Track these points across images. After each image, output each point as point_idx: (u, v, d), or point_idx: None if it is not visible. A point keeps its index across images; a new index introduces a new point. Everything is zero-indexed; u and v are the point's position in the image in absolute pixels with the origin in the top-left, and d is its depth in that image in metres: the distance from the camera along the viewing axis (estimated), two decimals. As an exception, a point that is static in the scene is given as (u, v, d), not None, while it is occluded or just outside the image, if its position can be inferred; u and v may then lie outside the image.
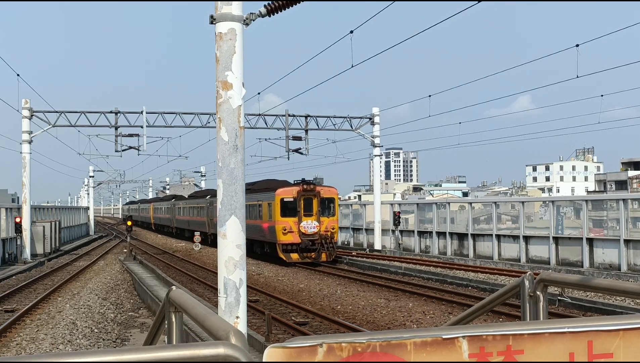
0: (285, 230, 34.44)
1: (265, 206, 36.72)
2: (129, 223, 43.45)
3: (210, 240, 50.12)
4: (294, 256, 34.50)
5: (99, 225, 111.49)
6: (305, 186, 35.02)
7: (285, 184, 37.76)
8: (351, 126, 43.19)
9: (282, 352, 2.19)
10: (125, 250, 42.64)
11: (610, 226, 30.82)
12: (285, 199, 34.94)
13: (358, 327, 17.04)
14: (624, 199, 26.82)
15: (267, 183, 41.09)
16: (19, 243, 38.95)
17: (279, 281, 28.20)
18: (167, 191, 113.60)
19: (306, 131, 42.50)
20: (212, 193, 50.41)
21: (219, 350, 2.27)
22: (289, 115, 42.03)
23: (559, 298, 16.53)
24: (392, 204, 43.70)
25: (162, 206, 78.91)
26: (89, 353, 2.21)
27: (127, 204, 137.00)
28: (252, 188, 39.29)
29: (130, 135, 41.16)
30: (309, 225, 34.51)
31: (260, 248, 39.43)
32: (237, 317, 7.83)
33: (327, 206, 35.57)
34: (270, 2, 8.55)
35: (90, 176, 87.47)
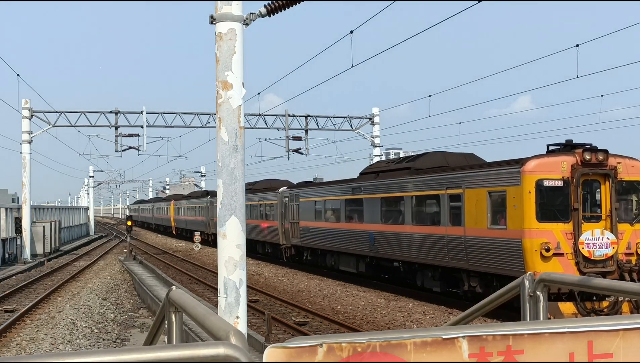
0: (547, 249, 16.41)
1: (477, 198, 18.40)
2: (129, 223, 43.45)
3: (290, 254, 33.96)
4: (567, 308, 16.34)
5: (99, 225, 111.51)
6: (586, 156, 16.97)
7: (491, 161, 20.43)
8: (351, 126, 43.17)
9: (282, 352, 2.19)
10: (125, 250, 42.63)
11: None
12: (547, 183, 16.85)
13: (358, 327, 17.05)
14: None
15: (438, 155, 23.88)
16: (19, 243, 38.96)
17: (279, 281, 28.18)
18: (167, 192, 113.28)
19: (306, 131, 42.48)
20: (281, 184, 38.02)
21: (219, 350, 2.27)
22: (289, 115, 42.01)
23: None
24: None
25: (193, 206, 58.85)
26: (89, 353, 2.21)
27: (135, 203, 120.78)
28: (416, 166, 23.00)
29: (130, 135, 41.17)
30: (597, 240, 16.79)
31: (444, 281, 20.75)
32: (237, 317, 7.82)
33: (630, 197, 18.05)
34: (270, 2, 8.54)
35: (90, 176, 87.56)
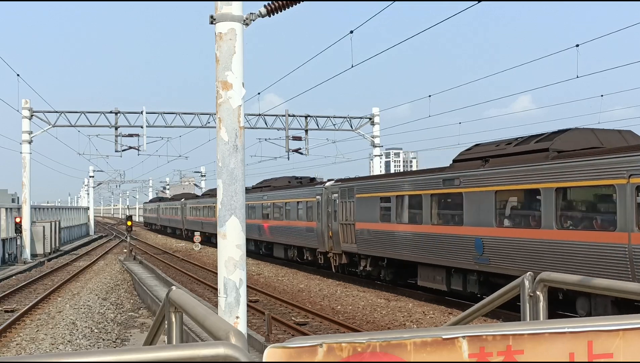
0: None
1: None
2: (129, 223, 43.45)
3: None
4: None
5: (99, 225, 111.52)
6: None
7: None
8: (351, 126, 43.17)
9: (282, 352, 2.19)
10: (125, 250, 42.62)
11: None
12: None
13: (358, 327, 17.05)
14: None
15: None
16: (19, 243, 38.95)
17: (279, 281, 28.18)
18: (167, 192, 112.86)
19: (306, 131, 42.46)
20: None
21: (219, 350, 2.27)
22: (289, 115, 42.00)
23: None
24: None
25: (280, 201, 35.44)
26: (89, 353, 2.21)
27: (152, 201, 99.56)
28: None
29: (130, 135, 41.17)
30: None
31: None
32: (237, 317, 7.82)
33: None
34: (270, 2, 8.54)
35: (90, 176, 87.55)
